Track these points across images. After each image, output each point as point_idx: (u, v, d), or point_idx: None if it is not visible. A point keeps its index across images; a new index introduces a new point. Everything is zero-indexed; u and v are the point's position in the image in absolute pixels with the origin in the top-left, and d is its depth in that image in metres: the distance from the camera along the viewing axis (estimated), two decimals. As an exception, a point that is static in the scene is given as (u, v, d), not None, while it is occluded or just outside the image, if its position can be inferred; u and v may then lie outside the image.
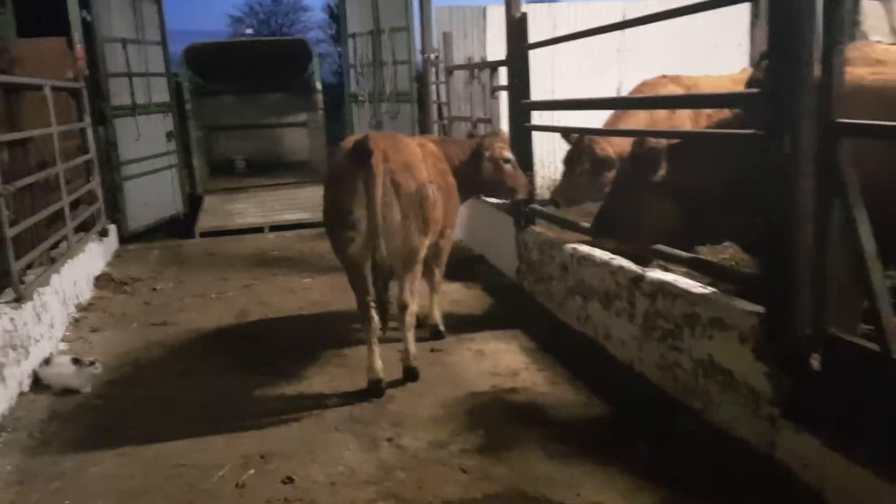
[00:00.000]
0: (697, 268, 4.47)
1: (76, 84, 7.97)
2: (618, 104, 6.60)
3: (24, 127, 5.94)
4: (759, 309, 3.61)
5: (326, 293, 6.99)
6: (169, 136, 10.91)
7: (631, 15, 11.19)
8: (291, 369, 5.07)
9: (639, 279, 4.70)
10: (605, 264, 5.13)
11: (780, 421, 3.45)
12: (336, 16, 43.87)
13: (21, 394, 4.77)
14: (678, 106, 6.13)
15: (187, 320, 6.40)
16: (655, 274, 4.67)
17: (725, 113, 4.77)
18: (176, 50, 13.96)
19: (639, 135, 6.60)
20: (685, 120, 6.78)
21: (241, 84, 15.28)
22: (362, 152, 4.31)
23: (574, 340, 5.44)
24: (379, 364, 4.64)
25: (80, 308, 6.74)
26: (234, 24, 50.52)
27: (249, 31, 15.51)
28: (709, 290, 4.20)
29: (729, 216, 4.26)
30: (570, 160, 6.45)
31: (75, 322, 6.40)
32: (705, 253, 5.39)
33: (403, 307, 4.77)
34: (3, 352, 4.55)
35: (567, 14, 10.62)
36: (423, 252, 4.83)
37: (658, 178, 4.27)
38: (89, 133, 8.08)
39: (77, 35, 8.63)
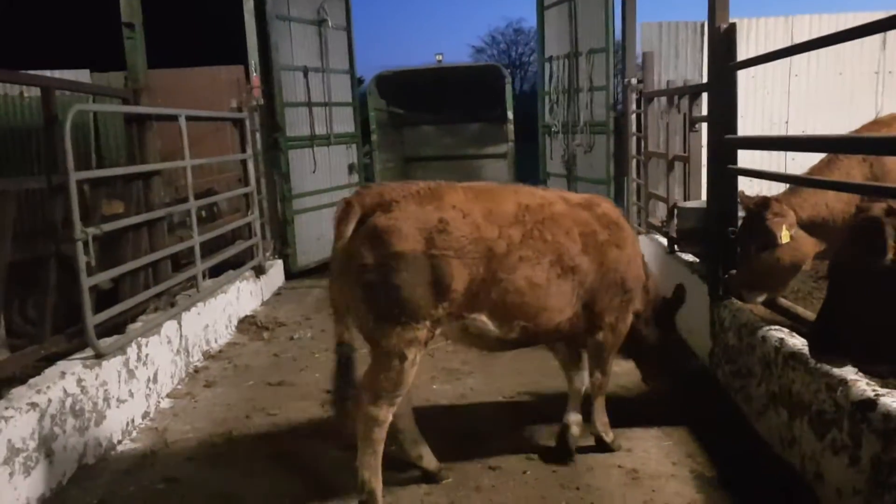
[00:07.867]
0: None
1: (238, 115, 7.59)
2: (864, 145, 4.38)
3: (150, 160, 5.49)
4: None
5: (530, 370, 5.44)
6: (351, 168, 10.40)
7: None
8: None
9: (868, 406, 3.15)
10: (822, 372, 3.55)
11: None
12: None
13: (83, 466, 4.14)
14: None
15: (306, 382, 5.58)
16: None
17: None
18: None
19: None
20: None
21: (438, 113, 14.67)
22: None
23: (772, 473, 3.89)
24: None
25: (207, 356, 6.21)
26: (476, 55, 51.80)
27: (439, 56, 14.67)
28: None
29: None
30: (745, 232, 4.92)
31: (195, 373, 5.85)
32: None
33: None
34: (59, 420, 3.94)
35: (809, 27, 8.70)
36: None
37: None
38: (250, 165, 7.65)
39: (253, 63, 8.35)
